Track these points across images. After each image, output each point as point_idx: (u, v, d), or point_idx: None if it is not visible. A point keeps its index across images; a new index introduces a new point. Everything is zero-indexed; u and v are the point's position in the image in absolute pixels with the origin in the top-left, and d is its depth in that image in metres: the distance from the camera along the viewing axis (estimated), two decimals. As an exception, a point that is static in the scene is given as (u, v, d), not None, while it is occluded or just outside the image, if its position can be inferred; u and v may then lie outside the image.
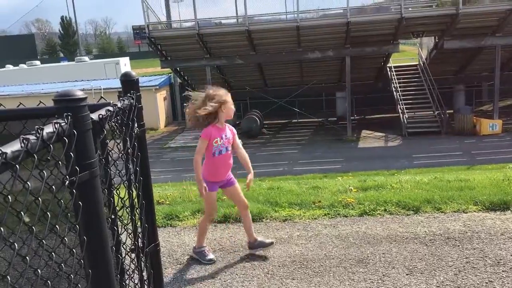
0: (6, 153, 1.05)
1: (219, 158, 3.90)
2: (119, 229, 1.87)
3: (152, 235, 2.23)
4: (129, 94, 1.93)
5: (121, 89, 2.06)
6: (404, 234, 4.23)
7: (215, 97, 3.75)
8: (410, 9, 19.92)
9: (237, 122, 25.46)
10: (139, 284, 2.07)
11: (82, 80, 28.74)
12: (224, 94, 3.82)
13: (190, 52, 21.24)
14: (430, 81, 21.64)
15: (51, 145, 1.24)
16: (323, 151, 19.27)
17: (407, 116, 20.92)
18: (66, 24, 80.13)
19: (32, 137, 1.17)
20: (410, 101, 21.59)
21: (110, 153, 1.77)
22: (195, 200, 5.91)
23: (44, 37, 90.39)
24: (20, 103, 1.87)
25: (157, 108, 26.59)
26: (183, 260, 4.05)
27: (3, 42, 68.60)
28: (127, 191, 1.95)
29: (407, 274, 3.49)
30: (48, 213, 1.26)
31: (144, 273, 2.12)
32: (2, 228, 1.00)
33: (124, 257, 1.93)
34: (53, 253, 1.34)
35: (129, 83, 2.03)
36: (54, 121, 1.30)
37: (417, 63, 24.45)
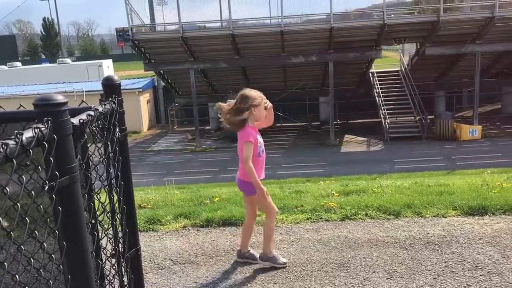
0: (-16, 158, 1.04)
1: (262, 157, 3.89)
2: (100, 234, 1.86)
3: (133, 240, 2.22)
4: (110, 99, 1.93)
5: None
6: (384, 238, 4.28)
7: (247, 99, 3.71)
8: (392, 15, 20.21)
9: (221, 126, 25.48)
10: (119, 289, 2.06)
11: (64, 82, 28.40)
12: (257, 96, 3.76)
13: (174, 55, 21.18)
14: (412, 86, 21.94)
15: (30, 150, 1.23)
16: (306, 155, 19.36)
17: (389, 121, 21.16)
18: (48, 25, 79.20)
19: (11, 142, 1.17)
20: (392, 107, 21.85)
21: (91, 157, 1.76)
22: (177, 204, 5.89)
23: (25, 38, 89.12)
24: (0, 106, 1.85)
25: (140, 111, 26.41)
26: (165, 264, 4.03)
27: (-17, 42, 67.46)
28: (108, 195, 1.94)
29: (387, 278, 3.53)
30: (27, 218, 1.25)
31: (125, 278, 2.11)
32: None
33: (104, 262, 1.92)
34: (31, 259, 1.33)
35: (111, 87, 2.02)
36: (34, 125, 1.30)
37: (399, 69, 24.77)
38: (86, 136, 1.63)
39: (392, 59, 33.30)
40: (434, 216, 4.76)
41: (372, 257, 3.90)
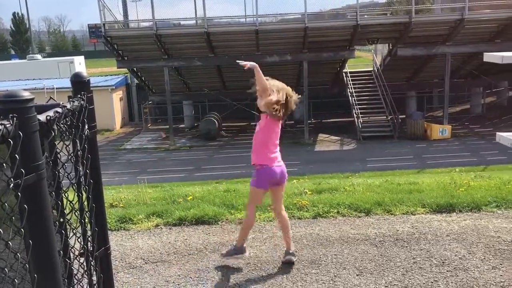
0: None
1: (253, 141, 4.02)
2: (68, 233, 1.84)
3: (102, 238, 2.19)
4: (79, 95, 1.90)
5: (75, 89, 2.02)
6: (355, 235, 4.35)
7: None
8: (365, 16, 20.47)
9: (196, 124, 25.31)
10: (88, 289, 2.04)
11: (34, 79, 27.74)
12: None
13: (147, 53, 20.96)
14: (384, 87, 22.29)
15: (-6, 147, 1.21)
16: (280, 154, 19.42)
17: (361, 121, 21.45)
18: (18, 21, 77.17)
19: (-26, 139, 1.15)
20: (365, 106, 22.16)
21: (59, 155, 1.74)
22: (150, 202, 5.84)
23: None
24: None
25: (112, 109, 26.04)
26: (136, 263, 4.00)
27: (-51, 37, 65.24)
28: (76, 194, 1.92)
29: (357, 275, 3.59)
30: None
31: (94, 278, 2.09)
32: None
33: (73, 261, 1.89)
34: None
35: (79, 84, 2.00)
36: (-1, 122, 1.27)
37: (372, 69, 25.13)
38: (53, 133, 1.60)
39: (365, 60, 33.75)
40: (403, 214, 4.86)
41: (343, 254, 3.96)
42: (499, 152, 16.82)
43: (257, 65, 3.64)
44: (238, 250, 3.88)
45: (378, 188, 6.00)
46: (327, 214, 4.91)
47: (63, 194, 1.80)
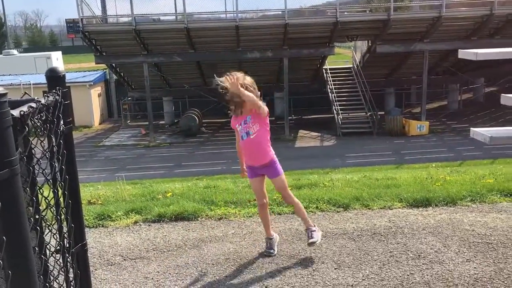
0: None
1: (243, 142, 3.95)
2: (43, 229, 1.82)
3: (79, 235, 2.18)
4: (54, 90, 1.88)
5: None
6: (334, 230, 4.40)
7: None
8: (345, 13, 20.62)
9: (176, 121, 25.17)
10: (64, 285, 2.02)
11: (10, 75, 27.19)
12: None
13: (126, 48, 20.75)
14: (363, 83, 22.51)
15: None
16: (261, 150, 19.46)
17: (341, 117, 21.64)
18: (-7, 15, 75.42)
19: None
20: (344, 103, 22.35)
21: (33, 150, 1.72)
22: (129, 199, 5.80)
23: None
24: None
25: (91, 105, 25.73)
26: (115, 260, 3.97)
27: None
28: (52, 190, 1.90)
29: (335, 269, 3.64)
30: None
31: (70, 274, 2.08)
32: None
33: (49, 257, 1.88)
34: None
35: (55, 79, 1.97)
36: (-30, 117, 1.25)
37: (351, 66, 25.35)
38: (27, 128, 1.59)
39: (345, 56, 34.02)
40: (381, 208, 4.93)
41: (321, 248, 4.00)
42: (475, 148, 17.19)
43: (239, 87, 3.57)
44: (312, 228, 3.93)
45: (357, 184, 6.07)
46: (306, 209, 4.94)
47: (38, 190, 1.78)
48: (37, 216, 1.77)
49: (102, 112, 27.60)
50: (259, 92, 3.85)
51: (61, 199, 1.99)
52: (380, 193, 5.29)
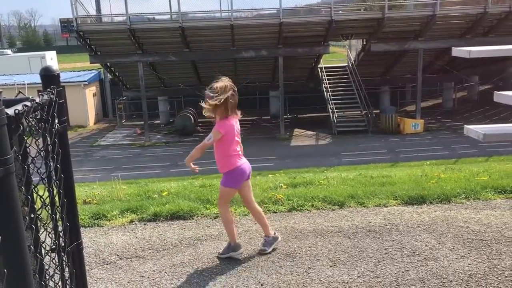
0: None
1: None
2: (39, 228, 1.82)
3: (74, 234, 2.18)
4: (49, 89, 1.88)
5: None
6: (329, 228, 4.41)
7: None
8: (340, 12, 20.65)
9: (171, 120, 25.13)
10: (60, 284, 2.02)
11: (4, 75, 27.07)
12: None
13: (121, 48, 20.69)
14: (358, 82, 22.55)
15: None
16: (257, 149, 19.47)
17: (336, 116, 21.67)
18: (-14, 14, 75.01)
19: None
20: (339, 101, 22.38)
21: (28, 149, 1.72)
22: (124, 199, 5.80)
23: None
24: None
25: (86, 105, 25.65)
26: (110, 259, 3.97)
27: None
28: (47, 189, 1.90)
29: (330, 266, 3.65)
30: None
31: (66, 273, 2.08)
32: None
33: (44, 256, 1.88)
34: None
35: (49, 78, 1.97)
36: (-36, 116, 1.26)
37: (346, 64, 25.38)
38: (22, 127, 1.59)
39: (340, 55, 34.06)
40: (376, 206, 4.95)
41: (317, 246, 4.02)
42: (470, 146, 17.27)
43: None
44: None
45: (352, 182, 6.09)
46: (301, 208, 4.96)
47: (33, 189, 1.78)
48: (32, 215, 1.78)
49: (97, 112, 27.52)
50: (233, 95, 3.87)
51: (56, 198, 2.00)
52: (375, 191, 5.31)
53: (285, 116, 22.79)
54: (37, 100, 1.74)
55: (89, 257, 3.97)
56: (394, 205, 4.97)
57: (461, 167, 7.77)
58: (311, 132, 22.24)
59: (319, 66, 23.91)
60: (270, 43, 20.66)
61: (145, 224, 4.73)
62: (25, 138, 1.70)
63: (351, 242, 4.07)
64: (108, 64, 22.46)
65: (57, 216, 2.00)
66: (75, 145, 21.03)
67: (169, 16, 20.64)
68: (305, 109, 25.59)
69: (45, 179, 1.89)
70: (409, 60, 22.31)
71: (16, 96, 1.85)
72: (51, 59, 35.55)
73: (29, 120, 1.69)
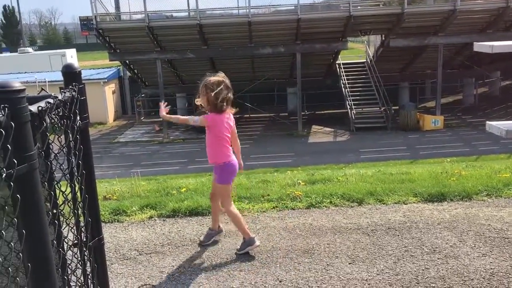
0: None
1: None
2: (61, 223, 1.85)
3: (95, 229, 2.21)
4: (70, 86, 1.91)
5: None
6: (347, 225, 4.39)
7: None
8: (358, 7, 20.46)
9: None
10: (82, 279, 2.06)
11: (25, 72, 27.53)
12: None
13: (140, 45, 20.85)
14: (377, 78, 22.34)
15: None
16: (275, 145, 19.48)
17: (355, 112, 21.51)
18: (9, 14, 76.37)
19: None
20: (358, 97, 22.21)
21: (51, 145, 1.75)
22: (143, 195, 5.85)
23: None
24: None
25: (105, 102, 25.94)
26: (130, 255, 4.02)
27: None
28: (69, 185, 1.93)
29: (349, 263, 3.64)
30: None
31: (88, 268, 2.11)
32: None
33: (66, 251, 1.91)
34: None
35: (71, 75, 2.00)
36: (-10, 112, 1.28)
37: (365, 60, 25.16)
38: (45, 123, 1.61)
39: (358, 51, 33.78)
40: (395, 203, 4.91)
41: (335, 243, 4.00)
42: (492, 142, 16.96)
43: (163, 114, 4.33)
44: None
45: (371, 178, 6.04)
46: (320, 204, 4.94)
47: (55, 185, 1.81)
48: (55, 211, 1.81)
49: (116, 109, 27.82)
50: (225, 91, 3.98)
51: (78, 194, 2.03)
52: (394, 188, 5.26)
53: (302, 113, 22.71)
54: (60, 97, 1.77)
55: (109, 252, 4.02)
56: (414, 202, 4.92)
57: (482, 164, 7.64)
58: (329, 129, 22.12)
59: (337, 62, 23.75)
60: (287, 39, 20.59)
61: (164, 220, 4.77)
62: (48, 135, 1.73)
63: (370, 239, 4.04)
64: (127, 61, 22.67)
65: (79, 212, 2.03)
66: (94, 141, 21.31)
67: (187, 14, 20.73)
68: (323, 105, 25.46)
69: (68, 175, 1.92)
70: (429, 56, 22.00)
71: (38, 94, 1.88)
72: (71, 56, 36.06)
73: (52, 117, 1.72)
